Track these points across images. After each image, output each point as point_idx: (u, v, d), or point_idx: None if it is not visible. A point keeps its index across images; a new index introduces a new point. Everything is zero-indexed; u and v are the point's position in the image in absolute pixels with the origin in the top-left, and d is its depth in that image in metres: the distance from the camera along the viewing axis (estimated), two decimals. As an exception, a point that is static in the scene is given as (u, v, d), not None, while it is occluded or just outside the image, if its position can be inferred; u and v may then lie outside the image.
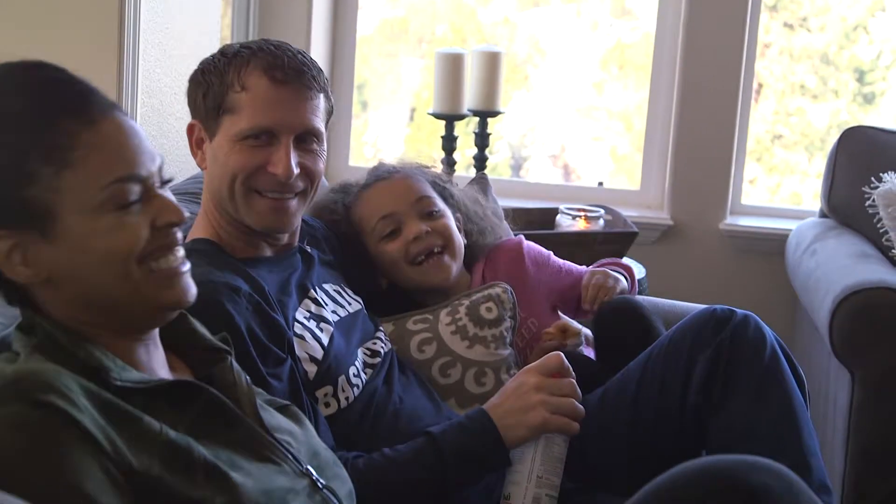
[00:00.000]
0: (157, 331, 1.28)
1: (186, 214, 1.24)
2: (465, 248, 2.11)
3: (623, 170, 4.07)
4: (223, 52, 1.73)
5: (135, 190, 1.19)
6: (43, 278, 1.17)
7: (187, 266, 1.26)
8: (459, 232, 2.12)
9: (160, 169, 1.23)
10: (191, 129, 1.74)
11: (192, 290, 1.25)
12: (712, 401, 1.75)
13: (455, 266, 2.06)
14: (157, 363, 1.26)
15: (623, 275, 2.17)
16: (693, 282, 3.54)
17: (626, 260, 2.75)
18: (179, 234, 1.25)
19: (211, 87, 1.69)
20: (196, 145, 1.73)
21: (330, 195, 2.14)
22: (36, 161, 1.15)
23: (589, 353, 2.13)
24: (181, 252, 1.25)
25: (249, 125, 1.68)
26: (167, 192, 1.23)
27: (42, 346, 1.16)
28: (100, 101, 1.19)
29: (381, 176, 2.10)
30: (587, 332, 2.15)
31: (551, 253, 2.23)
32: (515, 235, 2.28)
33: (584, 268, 2.24)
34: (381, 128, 4.22)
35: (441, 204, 2.09)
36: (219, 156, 1.71)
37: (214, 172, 1.72)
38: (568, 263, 2.24)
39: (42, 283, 1.17)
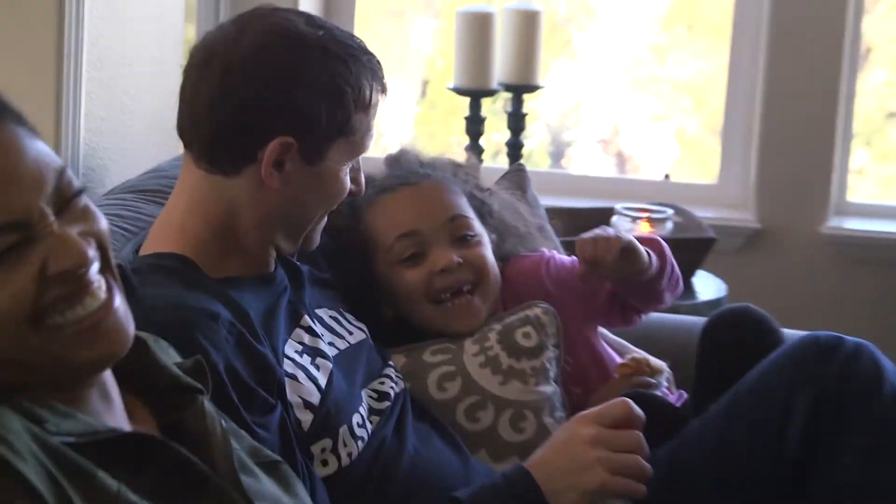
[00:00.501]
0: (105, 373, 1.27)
1: (91, 253, 1.19)
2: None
3: (693, 158, 4.08)
4: (349, 52, 1.74)
5: (6, 239, 1.14)
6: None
7: (118, 300, 1.21)
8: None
9: (59, 187, 1.18)
10: (281, 147, 1.71)
11: (126, 332, 1.21)
12: (816, 455, 1.75)
13: (486, 310, 2.05)
14: (115, 408, 1.25)
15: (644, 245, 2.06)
16: (788, 301, 3.52)
17: (699, 274, 2.75)
18: (92, 272, 1.19)
19: (342, 100, 1.72)
20: (275, 165, 1.72)
21: None
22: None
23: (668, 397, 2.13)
24: (100, 290, 1.19)
25: (360, 154, 1.80)
26: (65, 226, 1.18)
27: None
28: None
29: (407, 179, 2.09)
30: (663, 364, 2.15)
31: (574, 258, 2.15)
32: (560, 245, 2.28)
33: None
34: (386, 106, 4.22)
35: (478, 226, 2.08)
36: (321, 184, 1.76)
37: (300, 199, 1.76)
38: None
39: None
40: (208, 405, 1.34)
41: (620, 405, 1.60)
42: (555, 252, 2.23)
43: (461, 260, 2.02)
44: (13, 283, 1.14)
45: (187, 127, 1.72)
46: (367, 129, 1.78)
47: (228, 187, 1.72)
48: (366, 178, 2.07)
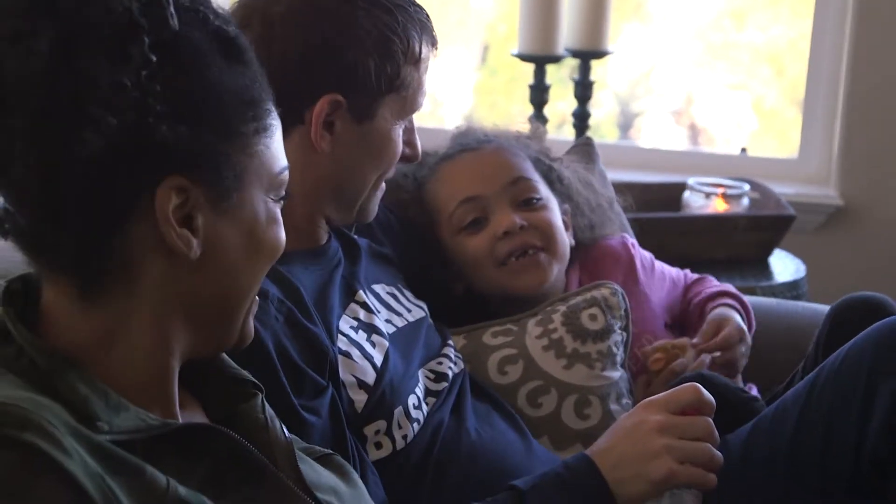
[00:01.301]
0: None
1: None
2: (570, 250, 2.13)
3: (772, 131, 4.07)
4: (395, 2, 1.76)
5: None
6: (196, 255, 1.21)
7: None
8: (567, 229, 2.14)
9: None
10: (330, 106, 1.73)
11: None
12: None
13: (555, 269, 2.08)
14: (174, 396, 1.28)
15: (741, 315, 2.17)
16: (871, 283, 3.45)
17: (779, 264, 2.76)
18: None
19: (391, 53, 1.73)
20: (325, 126, 1.74)
21: (398, 166, 2.17)
22: (243, 113, 1.24)
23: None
24: None
25: (415, 110, 1.81)
26: None
27: (13, 361, 1.18)
28: None
29: (468, 146, 2.13)
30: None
31: (652, 255, 2.27)
32: (628, 222, 2.29)
33: (680, 273, 2.27)
34: (444, 73, 4.24)
35: (544, 190, 2.11)
36: (373, 144, 1.78)
37: (352, 162, 1.78)
38: (667, 268, 2.27)
39: (179, 256, 1.20)
40: (267, 405, 1.37)
41: (690, 390, 1.60)
42: (625, 234, 2.28)
43: (525, 223, 2.05)
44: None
45: None
46: (419, 86, 1.78)
47: None
48: (430, 152, 2.11)
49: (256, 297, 1.31)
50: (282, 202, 1.28)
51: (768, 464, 1.84)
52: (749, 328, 2.17)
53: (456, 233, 2.07)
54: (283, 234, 1.28)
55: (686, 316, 2.23)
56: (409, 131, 1.83)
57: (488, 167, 2.09)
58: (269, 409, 1.36)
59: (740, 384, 2.16)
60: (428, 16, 1.79)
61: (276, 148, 1.27)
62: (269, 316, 1.61)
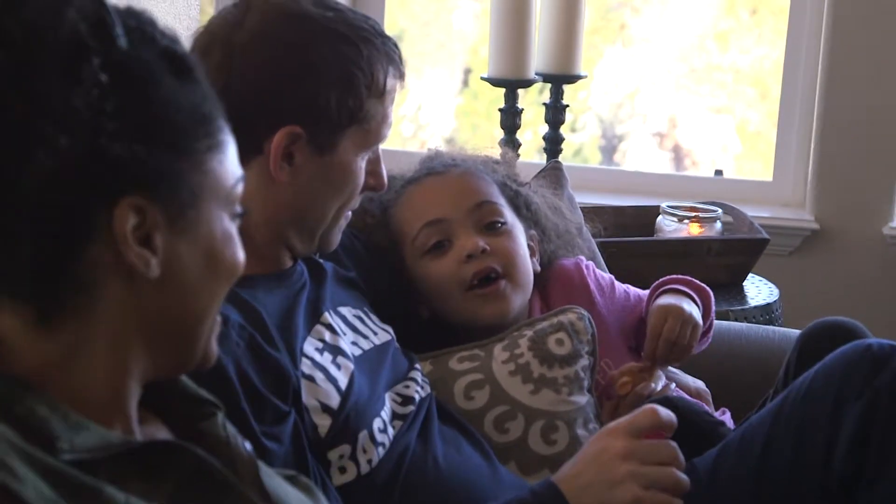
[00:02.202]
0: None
1: None
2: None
3: (756, 153, 4.08)
4: (359, 34, 1.77)
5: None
6: (156, 275, 1.20)
7: None
8: (532, 255, 2.15)
9: None
10: (289, 138, 1.74)
11: None
12: (865, 471, 1.75)
13: (517, 298, 2.09)
14: (134, 415, 1.29)
15: (695, 302, 2.17)
16: (845, 307, 3.45)
17: (752, 283, 2.77)
18: None
19: (353, 86, 1.75)
20: (284, 157, 1.76)
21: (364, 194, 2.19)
22: (195, 128, 1.23)
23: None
24: None
25: (377, 142, 1.82)
26: None
27: None
28: None
29: (434, 169, 2.15)
30: (699, 383, 2.18)
31: (612, 277, 2.27)
32: (598, 247, 2.31)
33: (646, 292, 2.26)
34: (425, 97, 4.25)
35: (509, 215, 2.13)
36: (334, 176, 1.79)
37: (312, 194, 1.79)
38: (633, 289, 2.27)
39: (138, 278, 1.20)
40: (228, 423, 1.37)
41: (648, 413, 1.60)
42: (580, 256, 2.28)
43: (486, 247, 2.05)
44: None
45: None
46: (384, 118, 1.79)
47: None
48: (398, 176, 2.12)
49: (218, 318, 1.30)
50: (238, 220, 1.28)
51: (736, 486, 1.85)
52: (699, 296, 2.18)
53: (420, 256, 2.09)
54: (240, 253, 1.27)
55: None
56: (374, 161, 1.85)
57: (453, 191, 2.10)
58: (230, 427, 1.37)
59: (711, 408, 2.18)
60: (396, 47, 1.80)
61: (229, 163, 1.26)
62: (231, 342, 1.61)
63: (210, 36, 1.74)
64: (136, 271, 1.19)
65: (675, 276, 2.23)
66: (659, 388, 2.07)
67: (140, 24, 1.22)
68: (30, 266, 1.16)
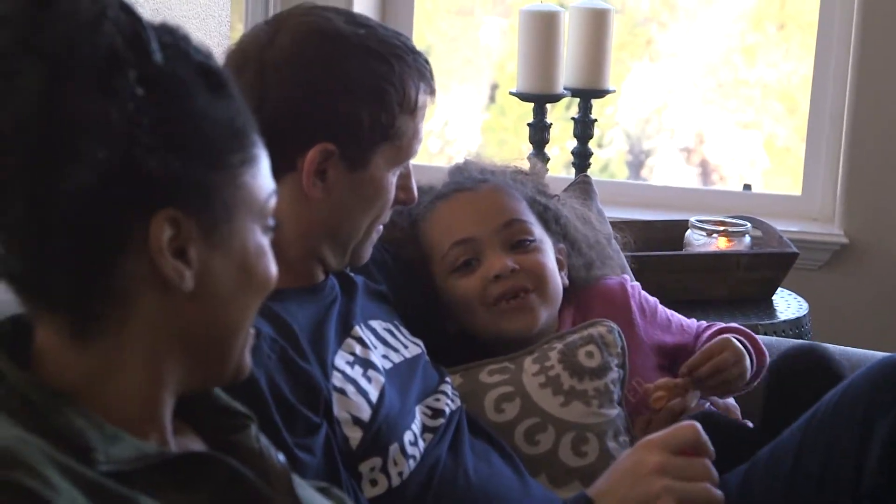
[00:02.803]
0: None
1: None
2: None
3: (784, 168, 4.06)
4: (392, 50, 1.79)
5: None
6: (190, 287, 1.22)
7: None
8: (561, 269, 2.16)
9: None
10: (322, 154, 1.76)
11: None
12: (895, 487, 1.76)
13: (545, 312, 2.10)
14: (168, 429, 1.30)
15: (749, 353, 2.17)
16: (874, 322, 3.52)
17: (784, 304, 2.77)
18: None
19: (386, 102, 1.77)
20: (317, 174, 1.77)
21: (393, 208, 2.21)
22: (229, 142, 1.25)
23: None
24: None
25: (408, 158, 1.84)
26: None
27: (4, 400, 1.19)
28: None
29: (463, 185, 2.15)
30: (729, 399, 2.19)
31: (657, 301, 2.27)
32: (626, 261, 2.31)
33: (694, 323, 2.27)
34: (452, 112, 4.26)
35: (538, 231, 2.13)
36: (366, 192, 1.81)
37: (344, 209, 1.81)
38: (677, 316, 2.27)
39: (173, 290, 1.22)
40: (262, 435, 1.39)
41: (689, 429, 1.61)
42: (625, 276, 2.29)
43: (516, 266, 2.07)
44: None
45: None
46: (415, 134, 1.80)
47: None
48: (426, 188, 2.12)
49: (252, 331, 1.31)
50: (271, 233, 1.29)
51: (766, 502, 1.86)
52: (757, 359, 2.17)
53: (448, 274, 2.10)
54: (273, 267, 1.29)
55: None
56: (405, 176, 1.85)
57: (482, 209, 2.11)
58: (263, 439, 1.38)
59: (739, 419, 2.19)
60: (427, 63, 1.81)
61: (262, 177, 1.27)
62: (262, 354, 1.62)
63: (242, 54, 1.75)
64: (170, 284, 1.20)
65: (744, 329, 2.24)
66: (692, 405, 2.07)
67: (175, 39, 1.23)
68: (67, 278, 1.18)
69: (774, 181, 4.07)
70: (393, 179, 1.82)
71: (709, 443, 1.59)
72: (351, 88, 1.73)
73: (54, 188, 1.14)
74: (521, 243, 2.10)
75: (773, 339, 2.57)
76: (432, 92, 1.82)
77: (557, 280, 2.13)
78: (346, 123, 1.73)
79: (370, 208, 1.82)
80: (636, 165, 4.22)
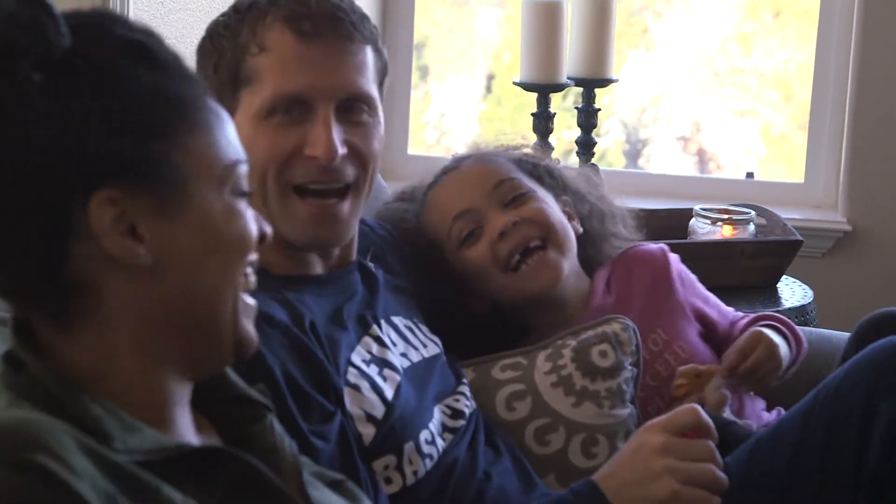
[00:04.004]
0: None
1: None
2: (580, 241, 2.15)
3: (781, 156, 4.07)
4: (236, 7, 1.78)
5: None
6: (148, 262, 1.21)
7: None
8: (571, 219, 2.16)
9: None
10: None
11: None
12: None
13: (565, 261, 2.10)
14: (185, 419, 1.30)
15: (788, 340, 2.17)
16: (879, 308, 3.49)
17: (786, 297, 2.76)
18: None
19: (223, 54, 1.76)
20: None
21: (396, 205, 2.21)
22: (170, 110, 1.23)
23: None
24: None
25: (273, 94, 1.73)
26: None
27: (27, 390, 1.20)
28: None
29: (448, 167, 2.17)
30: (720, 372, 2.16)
31: (696, 278, 2.27)
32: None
33: (732, 311, 2.27)
34: (448, 103, 4.25)
35: (529, 183, 2.14)
36: (241, 143, 1.76)
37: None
38: (716, 299, 2.28)
39: (134, 270, 1.21)
40: (277, 423, 1.38)
41: (689, 412, 1.61)
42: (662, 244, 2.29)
43: (517, 219, 2.07)
44: (249, 223, 1.29)
45: None
46: None
47: None
48: (420, 186, 2.16)
49: (248, 300, 1.29)
50: (245, 195, 1.28)
51: (768, 482, 1.85)
52: (796, 347, 2.18)
53: (457, 249, 2.10)
54: (249, 227, 1.27)
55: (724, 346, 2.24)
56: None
57: (471, 179, 2.12)
58: (278, 429, 1.38)
59: (772, 414, 2.20)
60: None
61: (222, 143, 1.26)
62: (275, 342, 1.62)
63: None
64: (129, 264, 1.19)
65: (780, 317, 2.24)
66: (713, 400, 2.06)
67: (100, 21, 1.23)
68: (27, 275, 1.19)
69: (771, 169, 4.07)
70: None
71: (711, 425, 1.60)
72: None
73: None
74: (515, 199, 2.10)
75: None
76: None
77: (565, 224, 2.13)
78: None
79: (253, 161, 1.76)
80: (633, 154, 4.22)
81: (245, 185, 1.28)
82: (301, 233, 1.77)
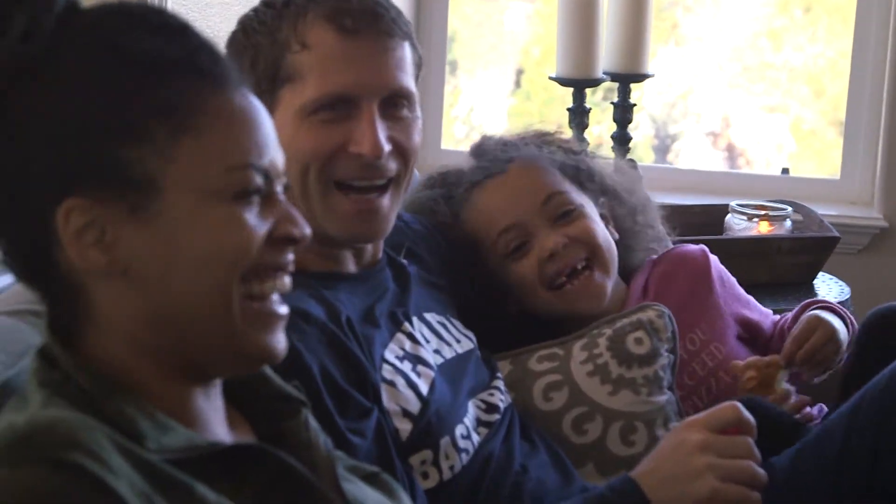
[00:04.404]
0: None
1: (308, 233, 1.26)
2: (616, 247, 2.14)
3: (811, 152, 4.05)
4: (269, 2, 1.77)
5: (259, 181, 1.22)
6: (118, 270, 1.18)
7: (285, 311, 1.27)
8: (608, 224, 2.16)
9: (283, 171, 1.27)
10: None
11: (284, 345, 1.27)
12: None
13: (609, 282, 2.11)
14: (216, 416, 1.29)
15: (844, 319, 2.17)
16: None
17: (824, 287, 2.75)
18: (291, 260, 1.26)
19: (260, 50, 1.74)
20: None
21: (426, 193, 2.18)
22: (150, 114, 1.18)
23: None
24: (286, 286, 1.27)
25: (319, 93, 1.72)
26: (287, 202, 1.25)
27: (61, 387, 1.19)
28: (234, 70, 1.25)
29: (492, 170, 2.13)
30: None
31: (735, 281, 2.27)
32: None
33: (769, 312, 2.27)
34: (477, 98, 4.24)
35: (577, 197, 2.12)
36: (282, 140, 1.74)
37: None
38: (754, 301, 2.27)
39: (111, 277, 1.19)
40: (311, 419, 1.37)
41: (729, 409, 1.61)
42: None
43: (566, 240, 2.06)
44: (250, 227, 1.23)
45: None
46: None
47: None
48: (451, 171, 2.15)
49: (272, 309, 1.24)
50: (249, 196, 1.21)
51: (816, 481, 1.85)
52: (851, 325, 2.19)
53: (502, 259, 2.09)
54: (247, 235, 1.20)
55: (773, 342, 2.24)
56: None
57: (518, 191, 2.10)
58: (313, 425, 1.36)
59: (814, 409, 2.18)
60: None
61: (218, 146, 1.20)
62: (312, 339, 1.61)
63: None
64: (100, 272, 1.18)
65: (826, 301, 2.25)
66: (781, 392, 2.06)
67: (80, 20, 1.19)
68: (28, 277, 1.21)
69: (802, 165, 4.05)
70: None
71: (752, 421, 1.59)
72: None
73: None
74: (564, 215, 2.09)
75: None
76: None
77: (610, 242, 2.13)
78: None
79: (296, 159, 1.74)
80: (662, 150, 4.21)
81: (254, 183, 1.22)
82: (343, 228, 1.76)
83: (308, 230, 1.26)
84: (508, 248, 2.08)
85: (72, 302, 1.20)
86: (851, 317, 2.21)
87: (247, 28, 1.77)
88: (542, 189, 2.09)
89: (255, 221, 1.22)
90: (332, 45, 1.72)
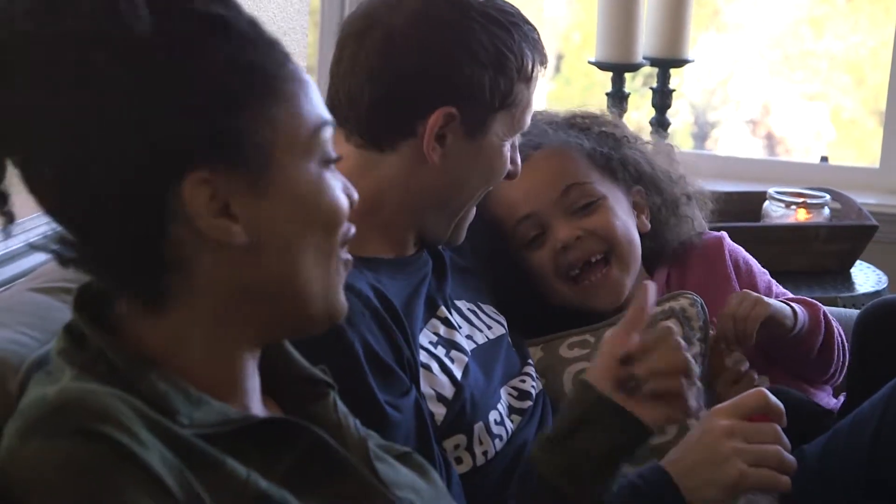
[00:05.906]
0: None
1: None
2: (647, 238, 2.10)
3: (851, 141, 4.03)
4: (499, 19, 1.74)
5: (329, 141, 1.26)
6: (244, 241, 1.20)
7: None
8: (641, 212, 2.12)
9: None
10: (444, 119, 1.72)
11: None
12: None
13: (628, 279, 2.06)
14: (254, 390, 1.29)
15: (794, 312, 2.09)
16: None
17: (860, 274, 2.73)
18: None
19: (506, 69, 1.74)
20: (437, 139, 1.74)
21: None
22: (257, 83, 1.20)
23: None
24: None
25: (521, 129, 1.80)
26: None
27: (91, 364, 1.19)
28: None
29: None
30: None
31: (766, 272, 2.23)
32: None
33: (787, 294, 2.23)
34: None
35: (601, 188, 2.07)
36: (483, 159, 1.77)
37: (459, 176, 1.77)
38: (778, 287, 2.23)
39: (224, 249, 1.19)
40: (339, 402, 1.37)
41: (756, 395, 1.60)
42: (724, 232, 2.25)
43: (581, 232, 2.02)
44: (337, 190, 1.25)
45: (342, 102, 1.71)
46: (528, 104, 1.78)
47: (381, 164, 1.73)
48: None
49: (341, 268, 1.27)
50: (331, 164, 1.25)
51: (847, 471, 1.84)
52: (810, 315, 2.10)
53: (521, 248, 2.06)
54: (341, 199, 1.25)
55: None
56: (513, 148, 1.83)
57: (539, 179, 2.04)
58: (341, 407, 1.37)
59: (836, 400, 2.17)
60: (539, 35, 1.79)
61: (303, 109, 1.22)
62: (356, 312, 1.60)
63: (368, 19, 1.73)
64: (224, 243, 1.18)
65: (806, 299, 2.18)
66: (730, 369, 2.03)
67: None
68: (124, 257, 1.18)
69: (841, 153, 4.02)
70: (507, 149, 1.79)
71: (780, 407, 1.58)
72: (475, 54, 1.70)
73: (81, 172, 1.15)
74: (584, 207, 2.04)
75: (855, 311, 2.51)
76: (544, 62, 1.80)
77: (630, 237, 2.07)
78: (469, 89, 1.71)
79: (484, 178, 1.80)
80: (701, 137, 4.20)
81: (331, 150, 1.25)
82: (459, 237, 1.85)
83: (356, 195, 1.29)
84: (527, 238, 2.05)
85: (167, 275, 1.19)
86: (831, 320, 2.14)
87: (499, 39, 1.75)
88: (561, 179, 2.05)
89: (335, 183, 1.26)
90: (535, 90, 1.80)
